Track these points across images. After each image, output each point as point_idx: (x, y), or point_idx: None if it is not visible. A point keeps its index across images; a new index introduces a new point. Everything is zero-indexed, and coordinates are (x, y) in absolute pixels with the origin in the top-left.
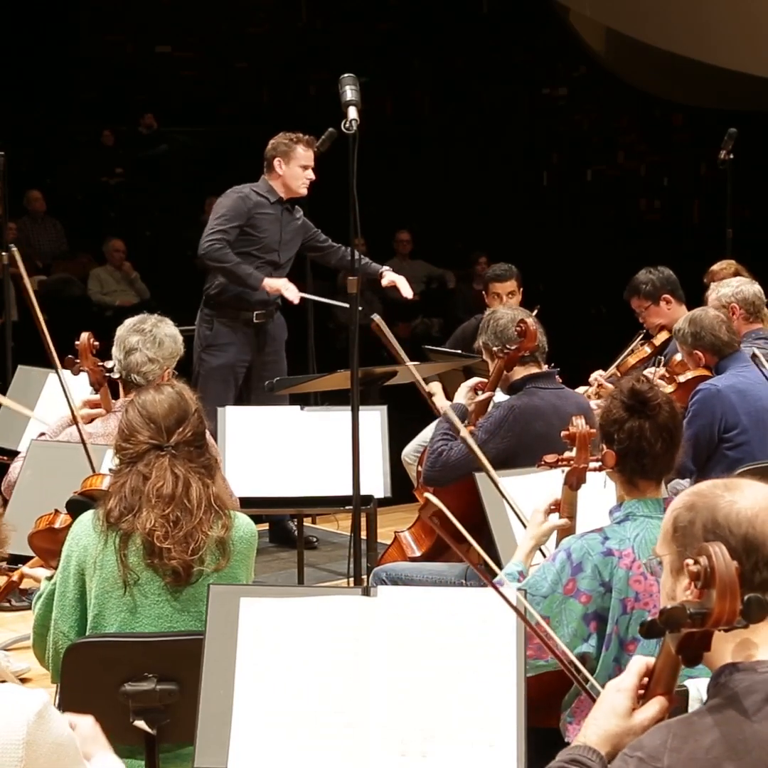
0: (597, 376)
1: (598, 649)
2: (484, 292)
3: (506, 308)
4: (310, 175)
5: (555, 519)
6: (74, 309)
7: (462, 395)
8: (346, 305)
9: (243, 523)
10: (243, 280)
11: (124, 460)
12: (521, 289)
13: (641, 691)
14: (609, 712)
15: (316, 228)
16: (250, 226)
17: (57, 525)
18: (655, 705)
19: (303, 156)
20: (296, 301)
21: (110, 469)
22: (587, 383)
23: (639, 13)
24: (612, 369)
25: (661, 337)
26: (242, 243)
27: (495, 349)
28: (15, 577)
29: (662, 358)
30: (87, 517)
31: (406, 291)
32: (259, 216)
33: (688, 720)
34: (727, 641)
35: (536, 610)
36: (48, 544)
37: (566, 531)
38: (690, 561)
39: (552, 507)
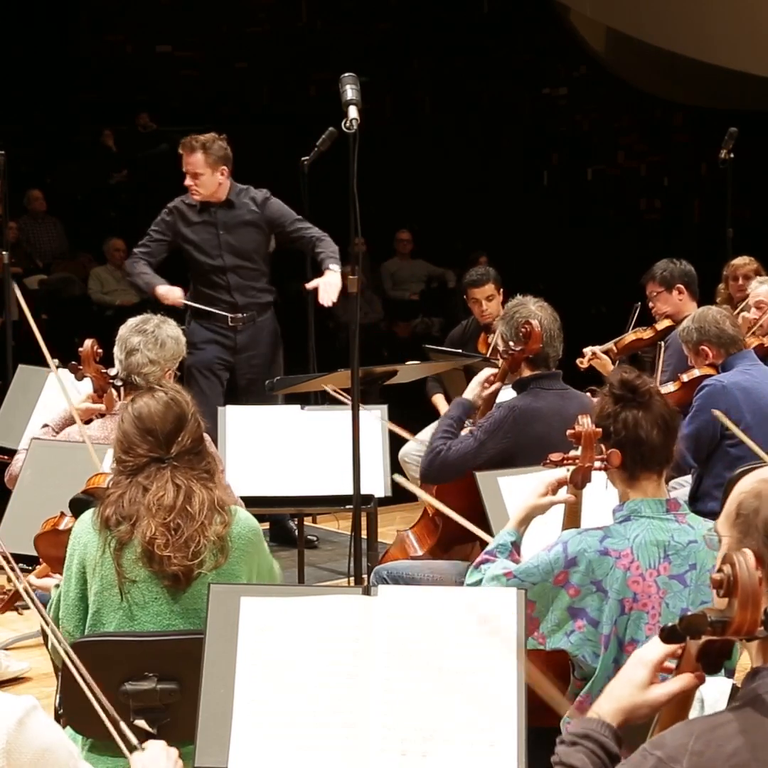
0: (594, 349)
1: (591, 655)
2: (464, 298)
3: (534, 305)
4: (188, 181)
5: (560, 494)
6: (74, 308)
7: (471, 390)
8: (222, 313)
9: (242, 518)
10: (144, 290)
11: (124, 472)
12: (501, 291)
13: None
14: (626, 682)
15: (295, 216)
16: (182, 239)
17: (61, 527)
18: (679, 682)
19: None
20: (178, 304)
21: (112, 468)
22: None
23: (639, 13)
24: (609, 344)
25: (663, 323)
26: (187, 255)
27: (503, 349)
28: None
29: (659, 363)
30: (87, 515)
31: (323, 299)
32: (188, 226)
33: (714, 722)
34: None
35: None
36: (53, 546)
37: (573, 509)
38: (747, 551)
39: (559, 482)
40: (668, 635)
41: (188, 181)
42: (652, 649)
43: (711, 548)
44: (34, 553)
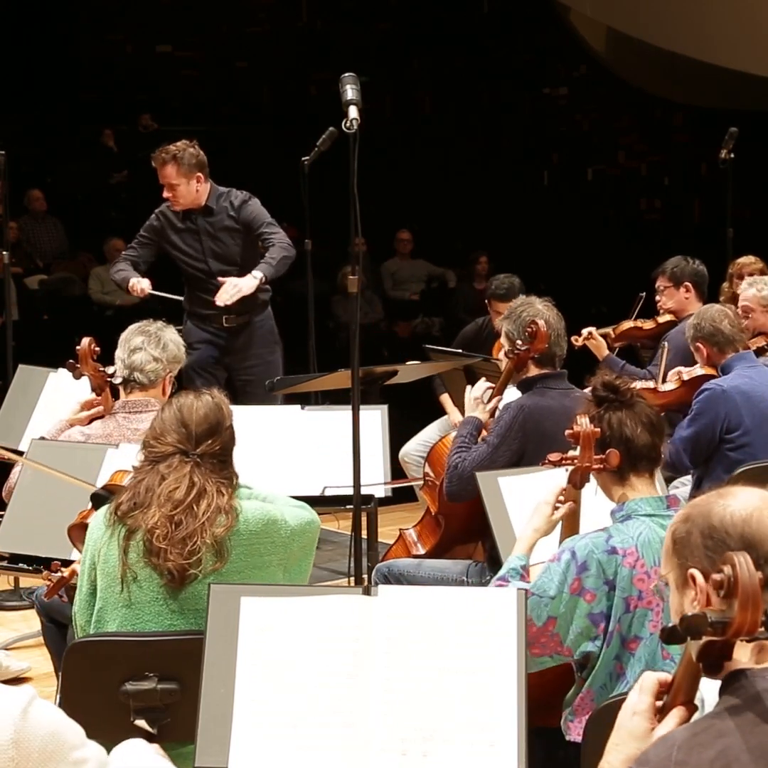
0: (591, 329)
1: (600, 650)
2: (486, 302)
3: (541, 304)
4: (166, 193)
5: (563, 508)
6: (75, 308)
7: (472, 407)
8: (180, 298)
9: (245, 514)
10: (121, 287)
11: (149, 457)
12: None
13: (658, 704)
14: (627, 737)
15: (265, 220)
16: (169, 245)
17: (89, 520)
18: (674, 718)
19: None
20: (140, 295)
21: (133, 466)
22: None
23: (639, 13)
24: (607, 329)
25: (665, 318)
26: (176, 262)
27: (508, 348)
28: (66, 573)
29: (650, 371)
30: (102, 511)
31: (218, 297)
32: (175, 233)
33: (695, 729)
34: (743, 646)
35: (544, 610)
36: (82, 538)
37: (571, 518)
38: (694, 570)
39: (559, 498)
40: (668, 635)
41: (166, 193)
42: (641, 698)
43: (661, 597)
44: (35, 553)
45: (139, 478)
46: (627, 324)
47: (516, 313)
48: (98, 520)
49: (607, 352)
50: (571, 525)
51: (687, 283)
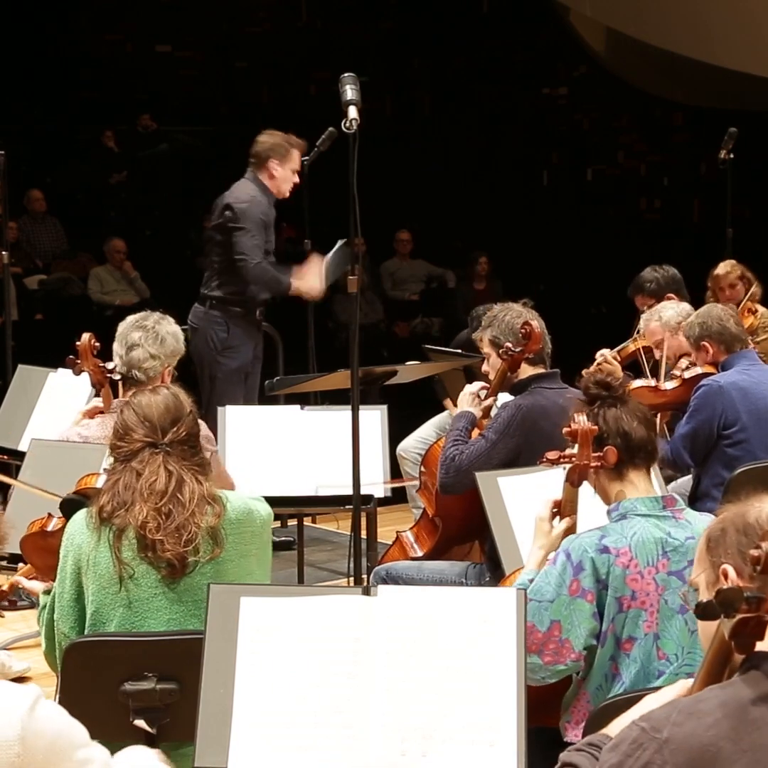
0: (604, 352)
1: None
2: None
3: (517, 305)
4: (296, 179)
5: (559, 523)
6: (74, 308)
7: (468, 402)
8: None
9: (231, 505)
10: (277, 288)
11: (119, 458)
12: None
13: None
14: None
15: None
16: (267, 232)
17: (49, 528)
18: None
19: (297, 161)
20: (318, 297)
21: (105, 469)
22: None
23: (639, 13)
24: (614, 352)
25: None
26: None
27: (502, 349)
28: (5, 586)
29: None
30: (80, 515)
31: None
32: (266, 217)
33: (698, 698)
34: None
35: (545, 614)
36: (41, 548)
37: (570, 531)
38: (727, 566)
39: (554, 511)
40: (703, 610)
41: (297, 180)
42: (670, 691)
43: (689, 604)
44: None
45: (114, 478)
46: (631, 346)
47: (499, 318)
48: (78, 524)
49: (621, 375)
50: (568, 518)
51: (669, 295)
